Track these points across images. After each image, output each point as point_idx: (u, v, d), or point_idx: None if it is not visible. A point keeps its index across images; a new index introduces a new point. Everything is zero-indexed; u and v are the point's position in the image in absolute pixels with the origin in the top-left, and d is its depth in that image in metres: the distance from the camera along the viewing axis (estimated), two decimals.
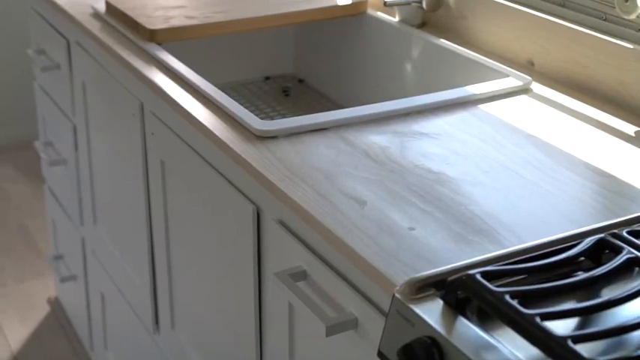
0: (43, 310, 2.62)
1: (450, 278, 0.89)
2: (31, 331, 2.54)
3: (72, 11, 1.83)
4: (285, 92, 1.96)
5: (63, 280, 2.34)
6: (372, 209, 1.07)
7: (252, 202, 1.24)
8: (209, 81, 1.91)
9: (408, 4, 1.66)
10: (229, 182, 1.30)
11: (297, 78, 2.01)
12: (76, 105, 1.95)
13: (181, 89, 1.44)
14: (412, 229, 1.03)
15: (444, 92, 1.37)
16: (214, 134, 1.28)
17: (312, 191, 1.12)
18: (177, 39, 1.62)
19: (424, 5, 1.65)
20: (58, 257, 2.41)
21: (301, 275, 1.13)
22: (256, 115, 1.83)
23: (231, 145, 1.24)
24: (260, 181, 1.17)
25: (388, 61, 1.72)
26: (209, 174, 1.34)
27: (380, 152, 1.22)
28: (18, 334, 2.52)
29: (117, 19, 1.72)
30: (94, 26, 1.75)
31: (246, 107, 1.87)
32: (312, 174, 1.16)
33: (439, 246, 0.99)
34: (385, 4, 1.63)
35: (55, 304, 2.62)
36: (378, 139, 1.26)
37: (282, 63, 2.01)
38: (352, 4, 1.76)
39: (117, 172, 1.76)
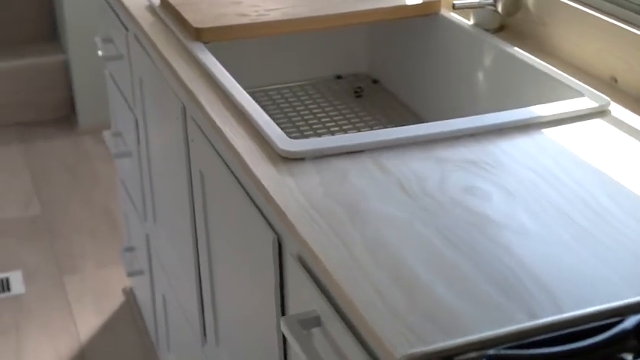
0: (118, 299, 2.57)
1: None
2: (103, 321, 2.49)
3: (128, 2, 1.73)
4: (357, 93, 1.82)
5: (130, 274, 2.28)
6: (390, 256, 0.92)
7: (275, 231, 1.11)
8: (272, 81, 1.82)
9: (481, 7, 1.49)
10: (255, 205, 1.17)
11: (370, 78, 1.86)
12: (135, 98, 1.86)
13: (216, 96, 1.32)
14: (431, 283, 0.88)
15: (503, 113, 1.21)
16: (237, 152, 1.16)
17: (329, 230, 0.98)
18: (225, 39, 1.50)
19: (499, 9, 1.48)
20: (130, 249, 2.35)
21: (314, 322, 1.00)
22: (322, 119, 1.70)
23: (252, 166, 1.12)
24: (277, 211, 1.04)
25: (459, 67, 1.56)
26: (238, 192, 1.22)
27: (416, 184, 1.07)
28: (89, 322, 2.47)
29: (169, 13, 1.62)
30: (147, 20, 1.65)
31: (313, 110, 1.74)
32: (334, 208, 1.02)
33: (458, 308, 0.84)
34: (454, 7, 1.47)
35: (130, 295, 2.56)
36: (417, 166, 1.11)
37: (355, 61, 1.86)
38: (423, 3, 1.60)
39: (169, 176, 1.67)
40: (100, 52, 2.01)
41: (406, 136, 1.15)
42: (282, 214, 1.02)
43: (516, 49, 1.44)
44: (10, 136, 3.45)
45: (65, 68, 3.50)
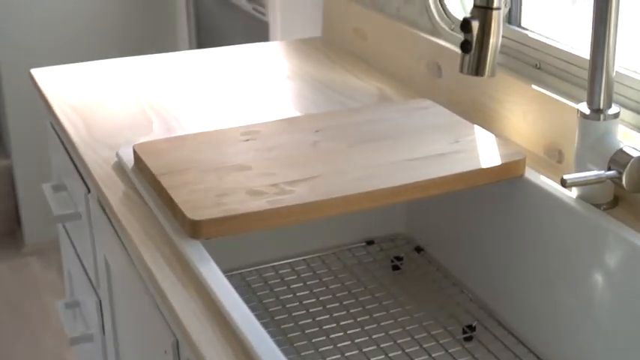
0: None
1: None
2: None
3: (88, 153, 1.27)
4: (395, 265, 1.37)
5: None
6: None
7: None
8: (285, 251, 1.36)
9: (600, 182, 1.05)
10: None
11: (412, 244, 1.41)
12: (100, 276, 1.39)
13: (220, 334, 0.85)
14: None
15: None
16: None
17: None
18: (232, 232, 1.03)
19: (624, 183, 1.04)
20: None
21: None
22: (344, 313, 1.23)
23: None
24: None
25: (554, 251, 1.11)
26: None
27: None
28: None
29: (147, 182, 1.15)
30: (116, 190, 1.18)
31: (334, 290, 1.28)
32: None
33: None
34: (565, 184, 1.02)
35: None
36: None
37: (391, 221, 1.41)
38: (503, 166, 1.15)
39: None
40: (50, 203, 1.53)
41: None
42: None
43: None
44: None
45: (8, 175, 3.00)
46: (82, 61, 1.72)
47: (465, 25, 0.93)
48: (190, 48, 2.89)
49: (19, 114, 2.81)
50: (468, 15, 0.93)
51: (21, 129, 2.84)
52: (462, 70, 0.95)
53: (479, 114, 1.36)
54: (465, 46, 0.93)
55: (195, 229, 1.02)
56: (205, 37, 2.81)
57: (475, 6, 0.93)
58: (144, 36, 2.98)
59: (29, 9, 2.80)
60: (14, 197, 3.01)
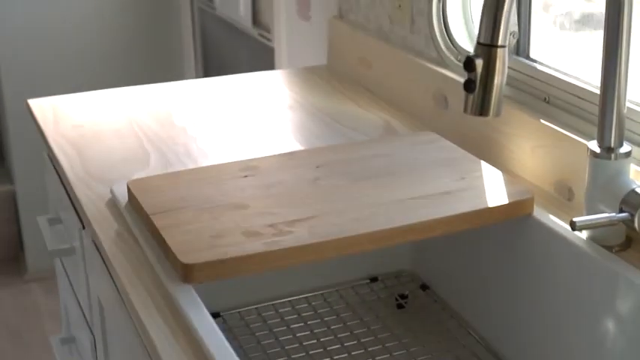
0: None
1: None
2: None
3: (82, 189, 1.23)
4: (400, 304, 1.32)
5: None
6: None
7: None
8: (286, 289, 1.32)
9: (612, 224, 1.00)
10: None
11: (417, 281, 1.36)
12: (93, 314, 1.34)
13: None
14: None
15: None
16: None
17: None
18: (226, 275, 0.99)
19: (636, 225, 0.99)
20: None
21: None
22: (346, 356, 1.19)
23: None
24: None
25: (559, 293, 1.06)
26: None
27: None
28: None
29: (140, 221, 1.11)
30: (108, 228, 1.14)
31: (336, 331, 1.24)
32: None
33: None
34: (574, 227, 0.97)
35: None
36: None
37: (395, 257, 1.37)
38: (510, 205, 1.10)
39: None
40: (45, 237, 1.49)
41: None
42: None
43: None
44: None
45: (11, 200, 2.97)
46: (86, 89, 1.69)
47: (469, 63, 0.88)
48: (197, 74, 2.86)
49: (21, 140, 2.78)
50: (472, 53, 0.89)
51: (24, 155, 2.81)
52: (465, 110, 0.90)
53: (486, 148, 1.31)
54: (469, 86, 0.88)
55: (187, 272, 0.98)
56: (212, 62, 2.78)
57: (479, 43, 0.89)
58: (150, 64, 2.95)
59: (34, 37, 2.78)
60: (17, 223, 2.98)
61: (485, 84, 0.88)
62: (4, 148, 3.14)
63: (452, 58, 1.41)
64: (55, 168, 1.49)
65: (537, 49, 1.29)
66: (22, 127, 2.80)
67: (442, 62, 1.44)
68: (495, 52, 0.88)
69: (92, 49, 2.87)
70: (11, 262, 3.00)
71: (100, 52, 2.88)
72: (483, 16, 0.88)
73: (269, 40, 2.22)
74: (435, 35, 1.44)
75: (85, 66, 2.86)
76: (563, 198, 1.17)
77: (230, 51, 2.60)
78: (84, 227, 1.31)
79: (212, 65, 2.77)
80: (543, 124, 1.20)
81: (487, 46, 0.88)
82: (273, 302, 1.30)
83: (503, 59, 0.89)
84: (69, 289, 1.59)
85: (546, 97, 1.22)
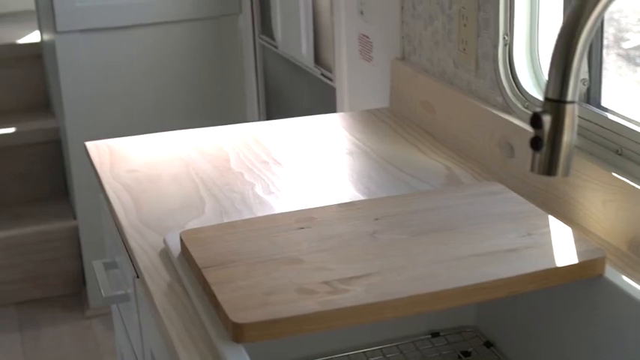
0: None
1: None
2: None
3: (136, 237, 1.20)
4: None
5: None
6: None
7: None
8: (343, 343, 1.27)
9: None
10: None
11: (481, 337, 1.30)
12: None
13: None
14: None
15: None
16: None
17: None
18: (279, 335, 0.95)
19: None
20: None
21: None
22: None
23: None
24: None
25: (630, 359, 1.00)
26: None
27: None
28: None
29: (192, 274, 1.08)
30: (160, 277, 1.11)
31: None
32: None
33: None
34: None
35: None
36: None
37: (458, 312, 1.31)
38: (580, 264, 1.04)
39: None
40: (100, 282, 1.47)
41: None
42: None
43: None
44: (7, 320, 2.90)
45: (75, 236, 2.98)
46: (146, 131, 1.67)
47: (536, 120, 0.83)
48: (259, 110, 2.84)
49: (84, 176, 2.78)
50: (539, 109, 0.83)
51: (86, 192, 2.81)
52: (532, 169, 0.85)
53: (553, 200, 1.25)
54: (536, 144, 0.83)
55: (237, 332, 0.94)
56: (273, 99, 2.76)
57: (547, 99, 0.84)
58: (212, 102, 2.94)
59: (97, 78, 2.79)
60: (80, 258, 2.99)
61: (554, 142, 0.83)
62: (68, 184, 3.15)
63: (518, 104, 1.36)
64: (110, 213, 1.47)
65: (608, 91, 1.23)
66: (85, 162, 2.80)
67: (508, 108, 1.38)
68: (564, 109, 0.83)
69: (155, 91, 2.87)
70: (73, 298, 3.00)
71: (163, 93, 2.88)
72: (552, 70, 0.83)
73: (331, 79, 2.18)
74: (501, 80, 1.39)
75: (146, 107, 2.86)
76: (637, 257, 1.10)
77: (292, 89, 2.57)
78: (138, 276, 1.28)
79: (274, 103, 2.75)
80: (615, 177, 1.14)
81: (556, 101, 0.83)
82: (330, 357, 1.26)
83: (573, 115, 0.84)
84: (124, 334, 1.56)
85: (618, 149, 1.15)
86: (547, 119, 0.83)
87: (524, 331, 1.22)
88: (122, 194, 1.37)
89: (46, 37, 3.03)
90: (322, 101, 2.29)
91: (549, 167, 0.84)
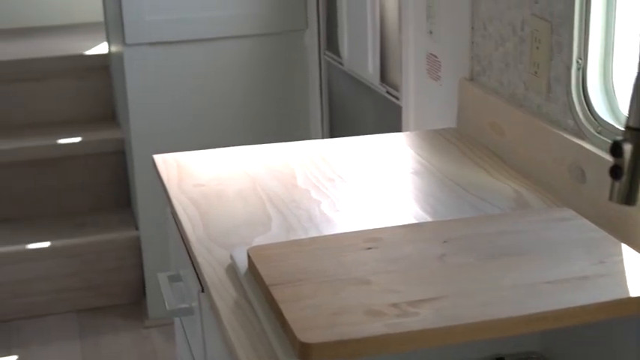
0: None
1: None
2: None
3: (203, 253, 1.21)
4: None
5: None
6: None
7: None
8: None
9: None
10: None
11: None
12: None
13: None
14: None
15: None
16: None
17: None
18: (344, 356, 0.94)
19: None
20: None
21: None
22: None
23: None
24: None
25: None
26: None
27: None
28: None
29: (259, 290, 1.08)
30: (226, 293, 1.12)
31: None
32: None
33: None
34: None
35: None
36: None
37: (524, 335, 1.29)
38: (625, 301, 1.02)
39: None
40: (164, 295, 1.48)
41: None
42: None
43: None
44: (68, 327, 2.94)
45: (137, 246, 3.01)
46: (212, 146, 1.68)
47: (616, 148, 0.81)
48: (323, 128, 2.84)
49: (148, 186, 2.81)
50: (612, 134, 0.82)
51: (149, 203, 2.84)
52: (611, 198, 0.84)
53: (626, 228, 1.23)
54: (616, 172, 0.82)
55: (305, 352, 0.94)
56: (338, 116, 2.76)
57: (628, 127, 0.82)
58: (276, 121, 2.95)
59: (163, 91, 2.81)
60: (141, 268, 3.01)
61: (634, 171, 0.82)
62: (131, 194, 3.19)
63: (590, 128, 1.34)
64: (177, 226, 1.48)
65: None
66: (150, 173, 2.83)
67: (580, 133, 1.36)
68: None
69: (219, 105, 2.89)
70: (134, 308, 3.03)
71: (227, 108, 2.90)
72: (634, 99, 0.82)
73: (397, 98, 2.18)
74: (574, 104, 1.37)
75: (210, 121, 2.88)
76: None
77: (357, 107, 2.57)
78: (203, 290, 1.28)
79: (337, 119, 2.75)
80: None
81: (637, 130, 0.82)
82: None
83: None
84: (186, 347, 1.57)
85: None
86: (628, 148, 0.82)
87: (592, 359, 1.20)
88: (189, 209, 1.38)
89: (114, 48, 3.08)
90: (387, 120, 2.28)
91: (628, 197, 0.83)
